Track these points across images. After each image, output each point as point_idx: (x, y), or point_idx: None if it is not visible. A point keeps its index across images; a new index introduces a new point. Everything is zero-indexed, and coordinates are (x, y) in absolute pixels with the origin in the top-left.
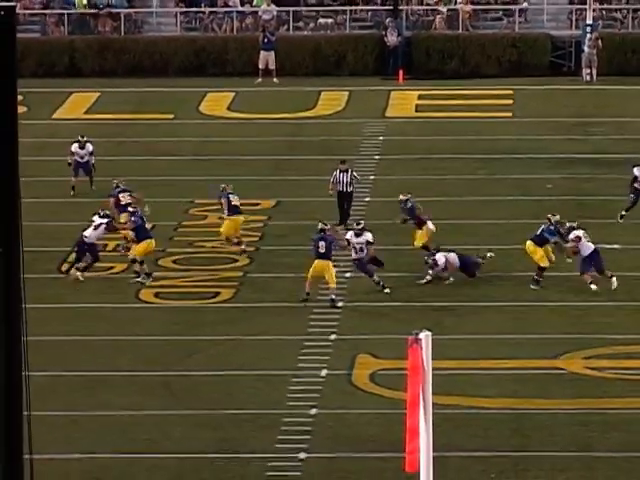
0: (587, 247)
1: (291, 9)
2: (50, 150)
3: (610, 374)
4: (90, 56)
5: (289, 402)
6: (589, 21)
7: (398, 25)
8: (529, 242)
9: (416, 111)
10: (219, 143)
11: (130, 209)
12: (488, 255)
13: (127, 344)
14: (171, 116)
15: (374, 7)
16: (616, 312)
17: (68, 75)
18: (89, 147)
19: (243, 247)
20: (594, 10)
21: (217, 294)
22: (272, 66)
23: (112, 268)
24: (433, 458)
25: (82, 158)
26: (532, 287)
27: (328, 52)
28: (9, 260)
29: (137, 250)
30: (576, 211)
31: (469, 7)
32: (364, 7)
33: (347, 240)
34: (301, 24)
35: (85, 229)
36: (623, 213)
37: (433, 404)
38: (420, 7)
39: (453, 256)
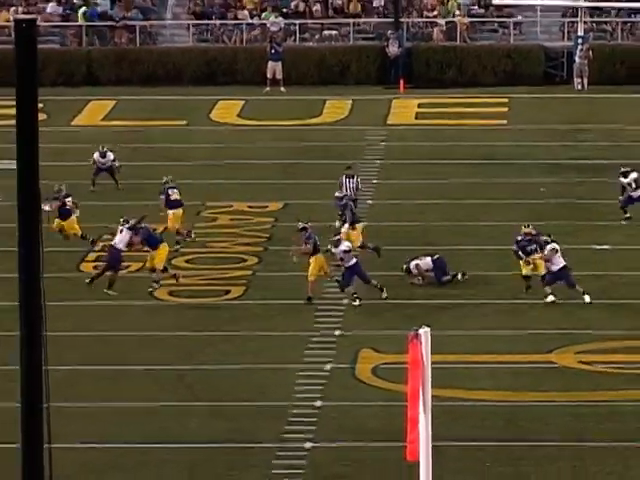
0: (559, 262)
1: (298, 21)
2: (69, 155)
3: (601, 368)
4: (107, 66)
5: (296, 394)
6: (580, 33)
7: (399, 37)
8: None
9: (416, 118)
10: (229, 148)
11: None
12: (459, 277)
13: (143, 339)
14: (184, 123)
15: (376, 19)
16: (605, 309)
17: (86, 84)
18: (110, 156)
19: (193, 236)
20: (585, 23)
21: (228, 292)
22: (279, 75)
23: (129, 267)
24: (432, 447)
25: (103, 165)
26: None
27: (333, 62)
28: (30, 260)
29: (158, 260)
30: (567, 213)
31: (466, 20)
32: (367, 19)
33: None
34: (307, 36)
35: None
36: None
37: (432, 396)
38: (420, 20)
39: (427, 261)
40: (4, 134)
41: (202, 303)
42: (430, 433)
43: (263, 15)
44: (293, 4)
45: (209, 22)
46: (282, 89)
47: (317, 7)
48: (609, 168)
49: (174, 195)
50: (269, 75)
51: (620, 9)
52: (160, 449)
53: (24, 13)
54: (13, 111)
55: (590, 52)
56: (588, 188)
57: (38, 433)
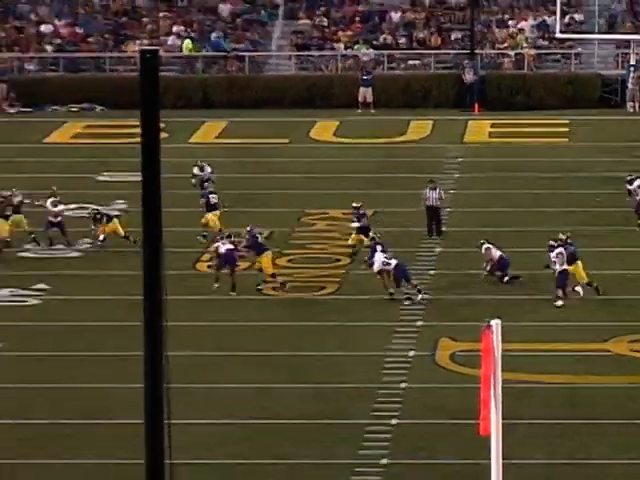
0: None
1: (386, 52)
2: (186, 169)
3: None
4: (220, 91)
5: (383, 377)
6: (632, 62)
7: (474, 66)
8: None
9: (489, 137)
10: (326, 163)
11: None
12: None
13: (250, 329)
14: (286, 141)
15: (454, 51)
16: None
17: (202, 107)
18: (207, 168)
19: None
20: (637, 53)
21: (323, 288)
22: (370, 99)
23: (238, 266)
24: (502, 424)
25: (203, 177)
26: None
27: (416, 88)
28: (153, 259)
29: (265, 267)
30: (620, 219)
31: (533, 51)
32: (446, 51)
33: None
34: (394, 65)
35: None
36: None
37: (502, 379)
38: (492, 51)
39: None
40: (131, 150)
41: (301, 298)
42: (500, 412)
43: (356, 47)
44: (382, 37)
45: (309, 53)
46: (372, 111)
47: (403, 40)
48: None
49: (213, 199)
50: (361, 99)
51: None
52: (265, 425)
53: (148, 45)
54: (138, 130)
55: None
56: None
57: (159, 411)
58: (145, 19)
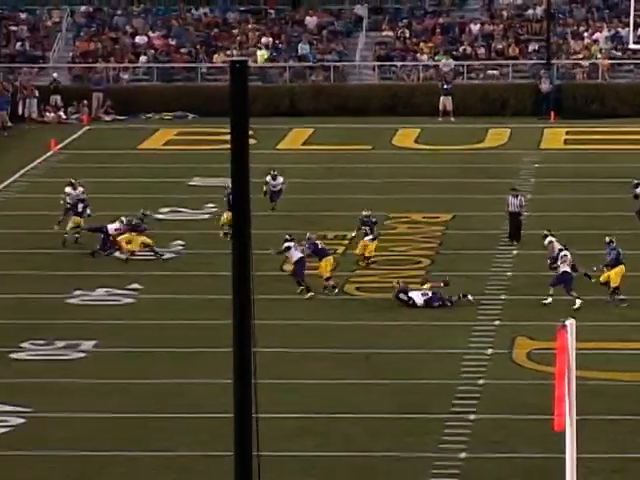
0: (565, 267)
1: (465, 63)
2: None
3: None
4: (306, 99)
5: (462, 374)
6: None
7: (550, 75)
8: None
9: (564, 144)
10: (407, 169)
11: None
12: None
13: (333, 328)
14: (370, 147)
15: (531, 61)
16: None
17: (289, 114)
18: (280, 179)
19: None
20: None
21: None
22: (450, 108)
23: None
24: (576, 420)
25: (274, 187)
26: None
27: (494, 97)
28: (242, 259)
29: (322, 270)
30: None
31: (607, 61)
32: (523, 61)
33: None
34: (473, 75)
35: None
36: None
37: (576, 377)
38: (568, 61)
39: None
40: (222, 156)
41: (383, 297)
42: (574, 408)
43: (436, 57)
44: (462, 48)
45: (392, 63)
46: (452, 119)
47: (482, 51)
48: None
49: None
50: (441, 107)
51: None
52: (345, 418)
53: (238, 55)
54: (228, 137)
55: None
56: None
57: (248, 405)
58: (235, 31)
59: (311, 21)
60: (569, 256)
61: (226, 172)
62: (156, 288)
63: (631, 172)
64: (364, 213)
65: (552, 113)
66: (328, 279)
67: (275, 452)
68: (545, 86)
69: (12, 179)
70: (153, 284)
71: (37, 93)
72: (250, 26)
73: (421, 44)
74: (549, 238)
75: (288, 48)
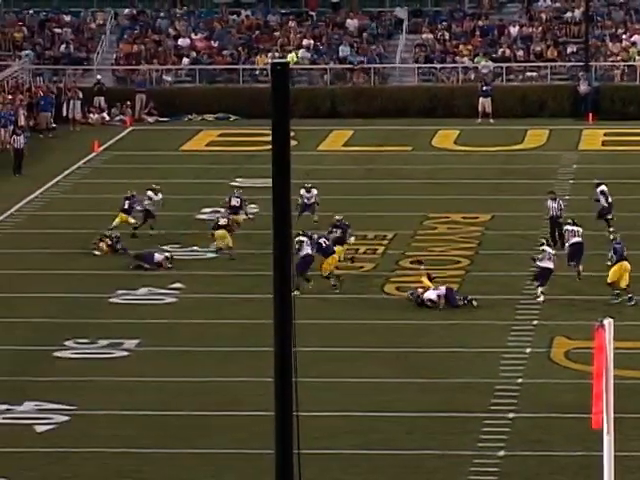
0: (546, 263)
1: (504, 65)
2: (315, 175)
3: None
4: (347, 101)
5: (500, 373)
6: None
7: (588, 77)
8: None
9: (602, 145)
10: (447, 170)
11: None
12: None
13: (371, 327)
14: (410, 148)
15: (569, 63)
16: None
17: (330, 116)
18: (314, 191)
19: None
20: None
21: None
22: (489, 109)
23: (362, 267)
24: (613, 418)
25: (308, 200)
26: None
27: (533, 98)
28: (283, 260)
29: (325, 267)
30: None
31: None
32: (561, 63)
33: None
34: (512, 76)
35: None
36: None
37: (614, 376)
38: (606, 63)
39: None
40: (263, 157)
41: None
42: (612, 406)
43: (476, 59)
44: (501, 50)
45: (431, 65)
46: (491, 120)
47: (520, 53)
48: None
49: (233, 202)
50: (480, 109)
51: None
52: (385, 417)
53: (279, 57)
54: (270, 138)
55: None
56: None
57: (288, 403)
58: (276, 33)
59: (352, 23)
60: (549, 250)
61: (268, 173)
62: (198, 287)
63: None
64: (337, 217)
65: (590, 114)
66: (327, 277)
67: (315, 450)
68: (583, 88)
69: (56, 180)
70: (195, 283)
71: (81, 95)
72: (291, 28)
73: (460, 46)
74: (568, 227)
75: (329, 50)
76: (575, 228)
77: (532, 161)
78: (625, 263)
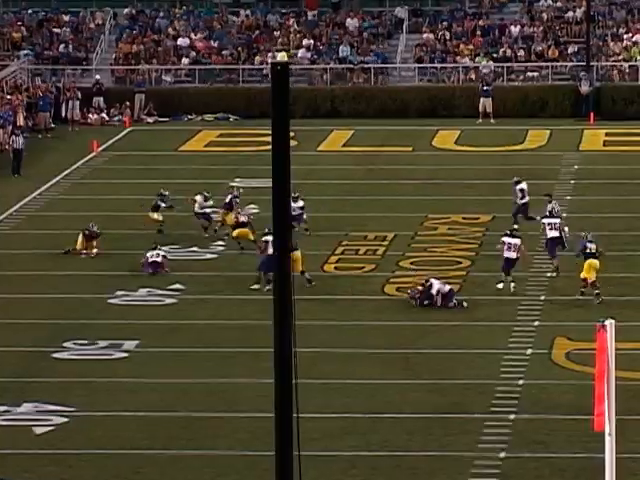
0: (509, 254)
1: (505, 65)
2: (315, 175)
3: None
4: (347, 101)
5: (501, 374)
6: None
7: (590, 77)
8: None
9: (604, 145)
10: (447, 170)
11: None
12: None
13: (373, 328)
14: (410, 148)
15: (571, 63)
16: None
17: (329, 116)
18: (300, 202)
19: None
20: None
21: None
22: (489, 109)
23: (363, 268)
24: (615, 420)
25: (294, 211)
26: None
27: (534, 99)
28: (282, 258)
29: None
30: None
31: None
32: (563, 63)
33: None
34: (513, 76)
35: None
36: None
37: (615, 377)
38: (607, 63)
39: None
40: (263, 158)
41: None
42: (613, 408)
43: (477, 59)
44: (502, 50)
45: (432, 65)
46: (492, 121)
47: (521, 53)
48: None
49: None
50: (481, 109)
51: None
52: (386, 418)
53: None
54: (269, 139)
55: None
56: None
57: (289, 404)
58: (276, 33)
59: (352, 23)
60: (508, 241)
61: (267, 173)
62: (198, 288)
63: None
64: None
65: (591, 115)
66: (303, 272)
67: (315, 452)
68: (584, 88)
69: (55, 180)
70: (195, 284)
71: (80, 95)
72: (291, 28)
73: (461, 46)
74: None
75: (329, 50)
76: (553, 221)
77: (533, 161)
78: (593, 261)
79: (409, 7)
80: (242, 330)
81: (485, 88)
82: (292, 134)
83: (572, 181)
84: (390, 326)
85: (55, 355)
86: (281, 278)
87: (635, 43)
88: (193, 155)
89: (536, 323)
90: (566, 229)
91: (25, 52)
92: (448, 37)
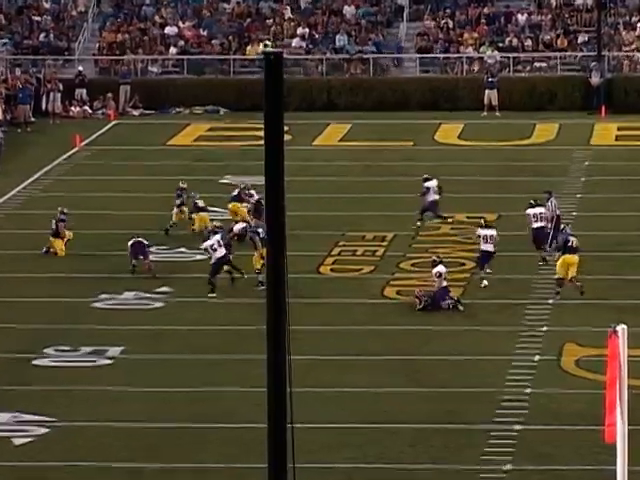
0: (486, 247)
1: (511, 55)
2: (310, 171)
3: None
4: (344, 93)
5: (507, 382)
6: None
7: (601, 68)
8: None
9: (616, 140)
10: (451, 166)
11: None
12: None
13: (372, 333)
14: (411, 143)
15: (580, 53)
16: None
17: (325, 109)
18: (255, 196)
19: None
20: None
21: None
22: (495, 102)
23: (361, 270)
24: (628, 431)
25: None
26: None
27: (542, 91)
28: (276, 261)
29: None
30: None
31: None
32: (572, 53)
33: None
34: (520, 67)
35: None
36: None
37: (628, 385)
38: (619, 53)
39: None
40: (255, 153)
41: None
42: (626, 418)
43: (481, 49)
44: (508, 39)
45: (434, 55)
46: (497, 114)
47: (529, 42)
48: None
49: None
50: (486, 101)
51: None
52: (384, 429)
53: (272, 47)
54: (262, 133)
55: None
56: None
57: (283, 414)
58: (269, 21)
59: (349, 10)
60: (483, 233)
61: (259, 170)
62: (186, 291)
63: None
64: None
65: (603, 108)
66: (259, 272)
67: (310, 464)
68: (595, 79)
69: (34, 177)
70: (183, 287)
71: (61, 87)
72: (285, 16)
73: (465, 35)
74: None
75: (325, 39)
76: (537, 211)
77: (541, 157)
78: (570, 257)
79: None
80: (233, 335)
81: (490, 79)
82: (286, 128)
83: (582, 178)
84: (390, 331)
85: (35, 362)
86: (274, 280)
87: None
88: (181, 150)
89: (544, 328)
90: (568, 229)
91: (3, 41)
92: (451, 25)
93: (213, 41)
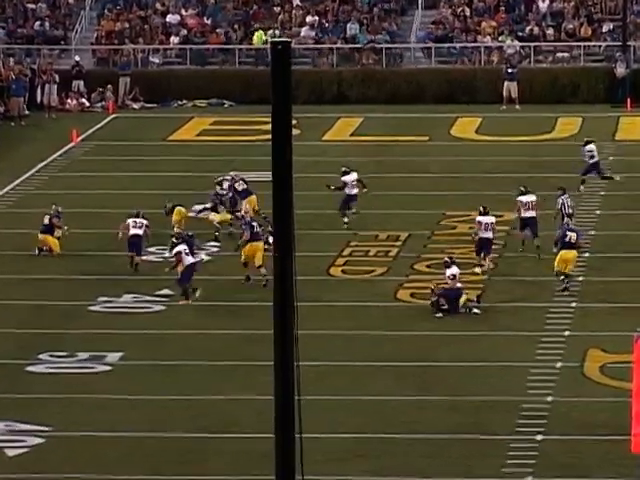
0: (484, 234)
1: (532, 44)
2: (320, 167)
3: None
4: (355, 85)
5: (528, 390)
6: None
7: (627, 58)
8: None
9: None
10: (467, 162)
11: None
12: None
13: (385, 338)
14: (426, 138)
15: (605, 43)
16: None
17: (336, 102)
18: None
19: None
20: None
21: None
22: (514, 94)
23: (373, 271)
24: None
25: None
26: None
27: (564, 82)
28: (284, 263)
29: (258, 258)
30: None
31: None
32: (596, 43)
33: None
34: (541, 57)
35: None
36: None
37: None
38: None
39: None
40: (262, 148)
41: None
42: None
43: (500, 38)
44: (528, 28)
45: (450, 45)
46: (517, 107)
47: (550, 31)
48: None
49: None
50: (505, 94)
51: None
52: (400, 439)
53: (280, 36)
54: (269, 127)
55: None
56: None
57: (291, 423)
58: (276, 9)
59: None
60: (484, 220)
61: (266, 166)
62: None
63: None
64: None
65: (628, 100)
66: (260, 267)
67: (321, 476)
68: (621, 70)
69: (29, 174)
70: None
71: (57, 78)
72: (294, 4)
73: (483, 24)
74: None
75: (335, 28)
76: (529, 199)
77: (563, 152)
78: (568, 253)
79: None
80: (238, 340)
81: (510, 70)
82: (294, 122)
83: (607, 174)
84: (404, 336)
85: (29, 368)
86: (282, 281)
87: None
88: (184, 145)
89: (567, 333)
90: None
91: None
92: (468, 13)
93: (217, 30)
